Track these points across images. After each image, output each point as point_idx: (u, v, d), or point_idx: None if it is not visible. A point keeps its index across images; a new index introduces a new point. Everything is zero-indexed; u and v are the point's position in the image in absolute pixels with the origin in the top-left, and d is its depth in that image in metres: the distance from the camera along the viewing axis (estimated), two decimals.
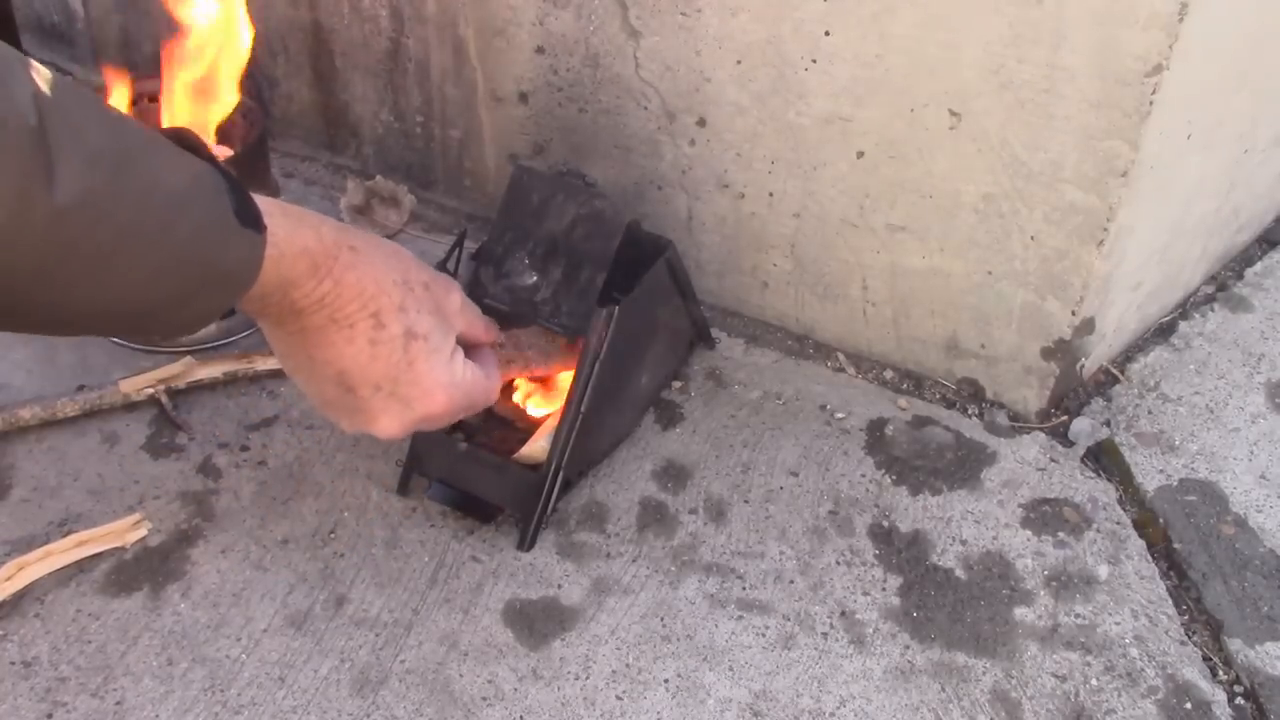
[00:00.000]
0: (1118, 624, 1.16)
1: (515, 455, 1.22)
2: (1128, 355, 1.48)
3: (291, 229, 0.71)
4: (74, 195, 0.57)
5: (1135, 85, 1.12)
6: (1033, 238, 1.26)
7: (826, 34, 1.25)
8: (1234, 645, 1.15)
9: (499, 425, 1.30)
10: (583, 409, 1.18)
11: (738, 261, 1.47)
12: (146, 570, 1.15)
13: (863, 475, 1.31)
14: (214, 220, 0.66)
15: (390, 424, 0.79)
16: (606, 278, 1.18)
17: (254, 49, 1.35)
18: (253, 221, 0.68)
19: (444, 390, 0.79)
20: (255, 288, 0.70)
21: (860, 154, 1.31)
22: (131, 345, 1.40)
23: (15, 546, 1.16)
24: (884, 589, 1.18)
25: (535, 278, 1.20)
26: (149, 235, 0.62)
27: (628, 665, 1.10)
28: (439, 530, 1.21)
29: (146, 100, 1.45)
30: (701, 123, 1.38)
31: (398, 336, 0.75)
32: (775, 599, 1.17)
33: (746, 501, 1.27)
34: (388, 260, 0.76)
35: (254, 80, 1.55)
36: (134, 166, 0.62)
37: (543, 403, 1.27)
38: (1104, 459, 1.34)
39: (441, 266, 1.44)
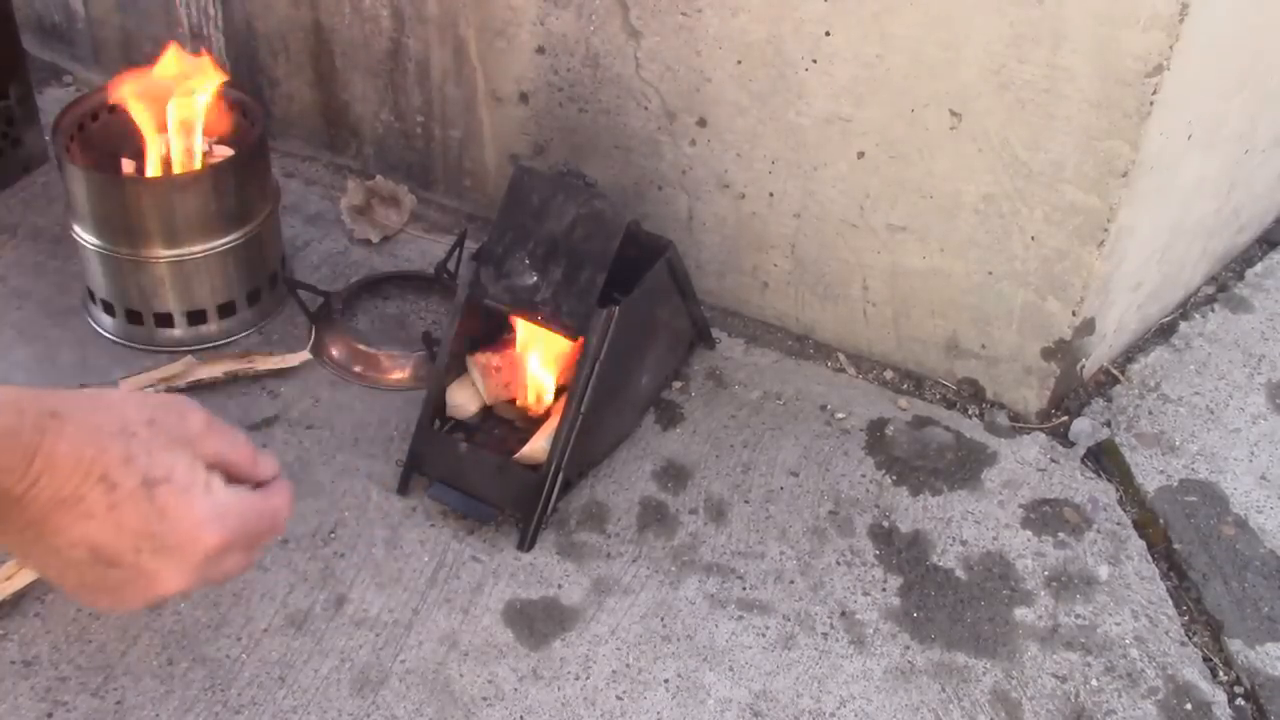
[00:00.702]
0: (1118, 624, 1.16)
1: (515, 455, 1.22)
2: (1128, 355, 1.48)
3: None
4: None
5: (1136, 85, 1.12)
6: (1033, 238, 1.26)
7: (827, 34, 1.25)
8: (1234, 646, 1.15)
9: (499, 425, 1.30)
10: (583, 409, 1.18)
11: (738, 261, 1.47)
12: None
13: (863, 475, 1.31)
14: None
15: (173, 578, 0.69)
16: (606, 278, 1.18)
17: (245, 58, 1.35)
18: None
19: (210, 525, 0.69)
20: None
21: (861, 154, 1.31)
22: (132, 345, 1.40)
23: None
24: (884, 589, 1.18)
25: (535, 278, 1.20)
26: None
27: (628, 665, 1.10)
28: (439, 530, 1.21)
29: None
30: (702, 123, 1.38)
31: (136, 489, 0.66)
32: (775, 599, 1.17)
33: (747, 501, 1.27)
34: (99, 414, 0.67)
35: (254, 81, 1.55)
36: None
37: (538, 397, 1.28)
38: (1104, 459, 1.34)
39: (442, 266, 1.44)
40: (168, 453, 0.69)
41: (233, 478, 0.72)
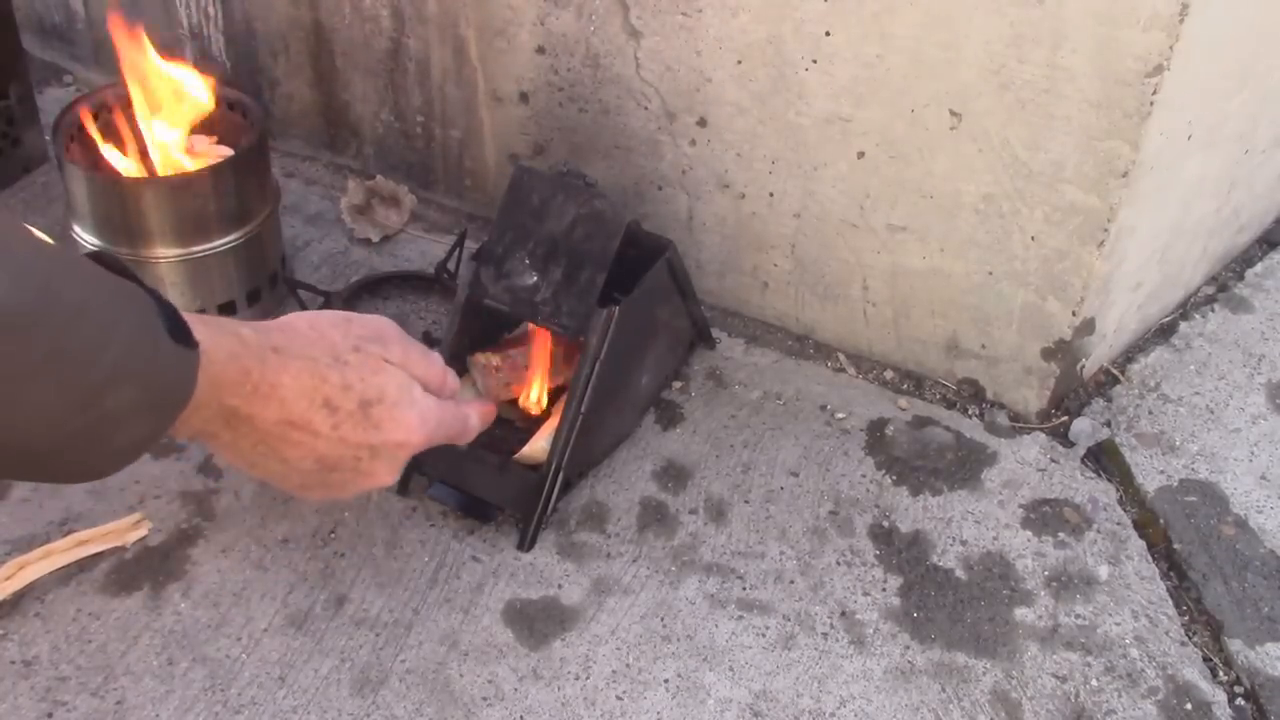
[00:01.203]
0: (1118, 624, 1.16)
1: (515, 455, 1.22)
2: (1128, 356, 1.48)
3: (215, 337, 0.70)
4: None
5: (1136, 85, 1.12)
6: (1033, 238, 1.26)
7: (827, 34, 1.25)
8: (1234, 646, 1.15)
9: (499, 425, 1.30)
10: (583, 409, 1.18)
11: (738, 261, 1.47)
12: (147, 570, 1.15)
13: (863, 475, 1.31)
14: (146, 340, 0.64)
15: (385, 473, 0.83)
16: (606, 278, 1.18)
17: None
18: (184, 338, 0.67)
19: (416, 431, 0.82)
20: (190, 405, 0.68)
21: (861, 154, 1.31)
22: None
23: (16, 546, 1.16)
24: (884, 589, 1.18)
25: (535, 278, 1.20)
26: (78, 358, 0.60)
27: (628, 665, 1.10)
28: (439, 530, 1.21)
29: (127, 104, 1.44)
30: (702, 123, 1.38)
31: (355, 412, 0.77)
32: (775, 599, 1.17)
33: (747, 501, 1.27)
34: (313, 345, 0.78)
35: (253, 81, 1.55)
36: (61, 287, 0.60)
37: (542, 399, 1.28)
38: (1104, 459, 1.34)
39: (442, 266, 1.44)
40: (377, 375, 0.79)
41: (427, 389, 0.84)
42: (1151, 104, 1.13)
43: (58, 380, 0.60)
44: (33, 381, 0.58)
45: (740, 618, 1.15)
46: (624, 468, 1.30)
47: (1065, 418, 1.39)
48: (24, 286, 0.57)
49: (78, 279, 0.62)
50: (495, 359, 1.28)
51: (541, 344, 1.25)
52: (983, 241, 1.30)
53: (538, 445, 1.21)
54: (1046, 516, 1.27)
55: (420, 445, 0.82)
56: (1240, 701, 1.11)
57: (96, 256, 0.68)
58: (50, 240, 0.64)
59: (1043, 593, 1.19)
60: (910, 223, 1.33)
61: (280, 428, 0.75)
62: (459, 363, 1.28)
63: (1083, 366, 1.39)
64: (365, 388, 0.78)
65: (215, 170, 1.35)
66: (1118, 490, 1.31)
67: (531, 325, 1.25)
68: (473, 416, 0.91)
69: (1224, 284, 1.61)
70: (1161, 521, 1.27)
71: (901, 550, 1.22)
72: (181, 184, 1.35)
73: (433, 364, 0.87)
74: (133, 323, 0.64)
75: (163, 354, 0.66)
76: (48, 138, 1.62)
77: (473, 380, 1.29)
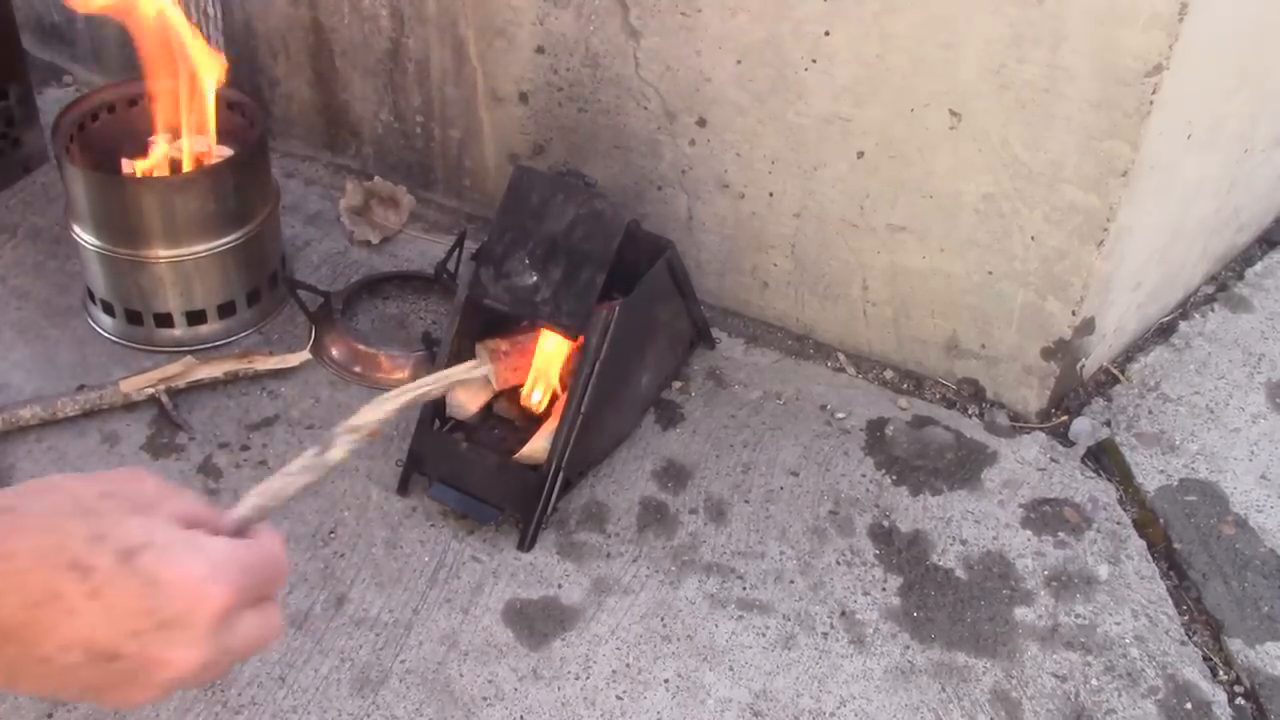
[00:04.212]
0: (1118, 624, 1.16)
1: (515, 455, 1.22)
2: (1128, 355, 1.48)
3: None
4: None
5: (1135, 85, 1.12)
6: (1033, 238, 1.26)
7: (826, 34, 1.25)
8: (1234, 645, 1.15)
9: (499, 425, 1.30)
10: (583, 409, 1.18)
11: (738, 261, 1.47)
12: None
13: (863, 475, 1.31)
14: None
15: (185, 655, 0.60)
16: (606, 278, 1.18)
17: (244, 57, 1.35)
18: None
19: (211, 580, 0.60)
20: None
21: (860, 154, 1.31)
22: (132, 345, 1.40)
23: None
24: (884, 589, 1.18)
25: (535, 278, 1.20)
26: None
27: (628, 665, 1.10)
28: (439, 530, 1.21)
29: (126, 104, 1.45)
30: (701, 123, 1.38)
31: (114, 567, 0.58)
32: (775, 599, 1.17)
33: (747, 501, 1.27)
34: (49, 498, 0.61)
35: (254, 80, 1.55)
36: None
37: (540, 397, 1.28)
38: (1104, 459, 1.34)
39: (442, 266, 1.44)
40: (135, 516, 0.61)
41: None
42: (1151, 104, 1.13)
43: None
44: None
45: (740, 617, 1.15)
46: (624, 468, 1.30)
47: (1065, 417, 1.39)
48: None
49: None
50: (504, 344, 1.28)
51: (542, 343, 1.25)
52: (983, 241, 1.30)
53: (538, 445, 1.21)
54: (1046, 516, 1.27)
55: (224, 605, 0.59)
56: (1240, 701, 1.11)
57: None
58: None
59: (1043, 592, 1.19)
60: (910, 222, 1.33)
61: (24, 614, 0.56)
62: (459, 362, 1.28)
63: (1083, 366, 1.39)
64: (124, 534, 0.58)
65: (215, 170, 1.35)
66: (1118, 490, 1.31)
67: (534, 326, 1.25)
68: (278, 545, 0.67)
69: (1224, 283, 1.61)
70: (1161, 521, 1.27)
71: (901, 550, 1.22)
72: (181, 184, 1.35)
73: (200, 502, 0.65)
74: None
75: None
76: (48, 138, 1.62)
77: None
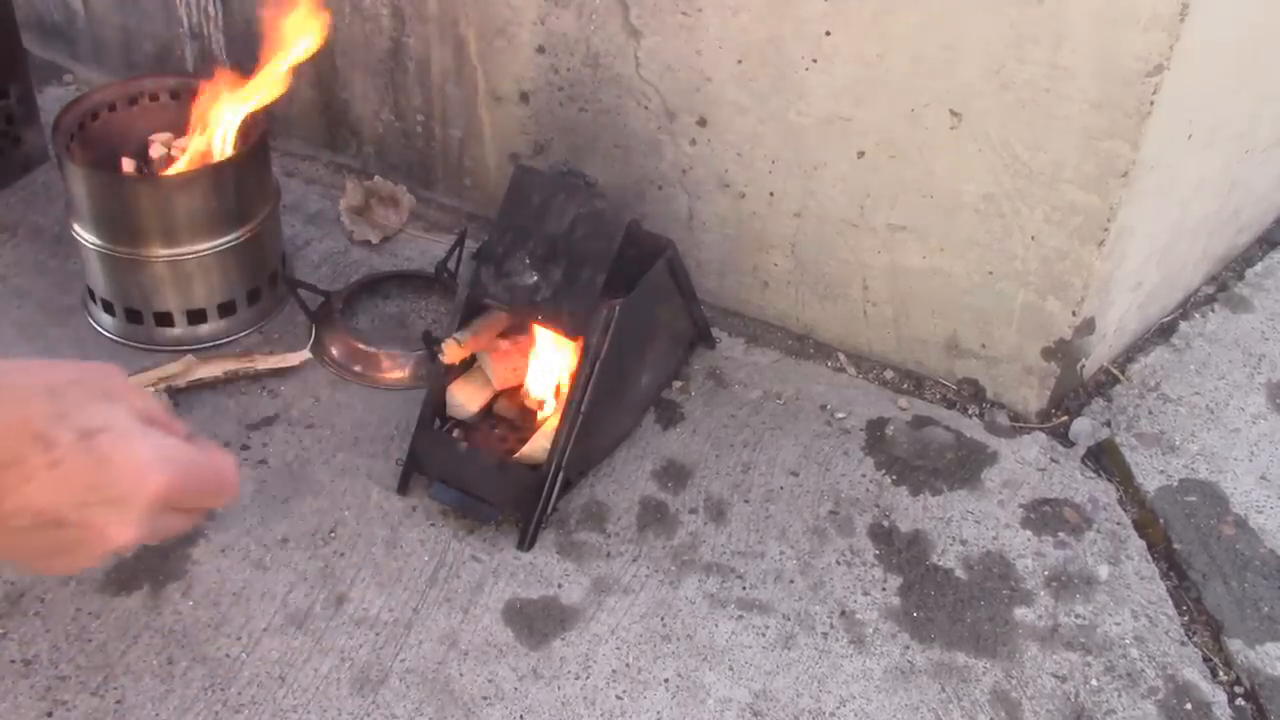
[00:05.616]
0: (1118, 624, 1.16)
1: (515, 455, 1.22)
2: (1128, 355, 1.48)
3: None
4: None
5: (1136, 85, 1.12)
6: (1033, 238, 1.26)
7: (827, 34, 1.25)
8: (1234, 646, 1.15)
9: (499, 425, 1.30)
10: (583, 409, 1.18)
11: (738, 261, 1.47)
12: (146, 569, 1.15)
13: (863, 475, 1.31)
14: None
15: (121, 529, 0.66)
16: (606, 278, 1.18)
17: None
18: None
19: (156, 466, 0.66)
20: None
21: (861, 154, 1.31)
22: (132, 344, 1.40)
23: None
24: (884, 589, 1.18)
25: (536, 277, 1.20)
26: None
27: (628, 665, 1.10)
28: (439, 530, 1.21)
29: (147, 99, 1.45)
30: (702, 122, 1.38)
31: (74, 442, 0.64)
32: (775, 599, 1.17)
33: (747, 501, 1.27)
34: (23, 375, 0.67)
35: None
36: None
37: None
38: (1104, 459, 1.34)
39: (442, 266, 1.44)
40: (101, 403, 0.67)
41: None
42: (1151, 104, 1.13)
43: None
44: None
45: (740, 617, 1.15)
46: (624, 467, 1.30)
47: (1065, 417, 1.39)
48: None
49: None
50: (504, 342, 1.28)
51: (542, 343, 1.25)
52: (983, 241, 1.30)
53: (538, 445, 1.21)
54: (1046, 516, 1.27)
55: (162, 491, 0.65)
56: (1240, 701, 1.11)
57: None
58: None
59: (1043, 592, 1.19)
60: (910, 222, 1.33)
61: None
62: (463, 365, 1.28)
63: (1083, 366, 1.39)
64: (85, 417, 0.65)
65: (215, 170, 1.35)
66: (1118, 490, 1.31)
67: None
68: (229, 464, 0.73)
69: (1224, 284, 1.61)
70: (1161, 521, 1.27)
71: (901, 550, 1.22)
72: (181, 184, 1.35)
73: (165, 409, 0.71)
74: None
75: None
76: (47, 137, 1.62)
77: (481, 366, 1.29)
